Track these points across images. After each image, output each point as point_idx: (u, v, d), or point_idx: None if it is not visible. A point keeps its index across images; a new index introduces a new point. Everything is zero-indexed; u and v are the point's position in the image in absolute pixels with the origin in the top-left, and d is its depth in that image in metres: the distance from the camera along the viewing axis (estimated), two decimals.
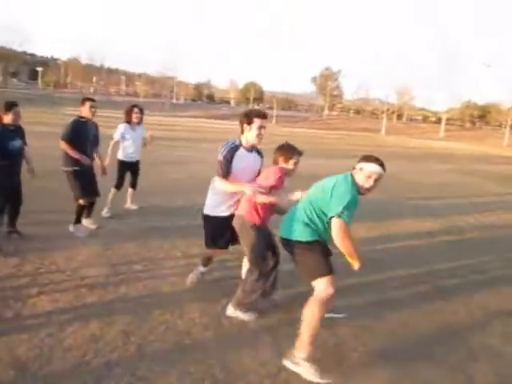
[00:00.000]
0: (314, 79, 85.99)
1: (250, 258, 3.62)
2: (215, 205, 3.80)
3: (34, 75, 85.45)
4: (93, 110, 5.35)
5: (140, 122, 6.57)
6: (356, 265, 2.96)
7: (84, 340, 3.14)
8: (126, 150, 6.46)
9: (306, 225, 3.12)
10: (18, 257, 4.51)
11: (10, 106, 4.72)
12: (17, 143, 4.78)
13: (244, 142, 3.70)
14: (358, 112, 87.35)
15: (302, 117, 73.56)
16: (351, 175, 3.07)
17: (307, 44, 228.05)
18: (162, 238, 5.44)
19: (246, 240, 3.59)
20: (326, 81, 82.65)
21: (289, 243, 3.22)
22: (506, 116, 57.70)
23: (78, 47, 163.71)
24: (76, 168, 5.19)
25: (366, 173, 3.00)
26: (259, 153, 3.87)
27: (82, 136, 5.26)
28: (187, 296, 3.97)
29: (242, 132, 3.71)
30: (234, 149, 3.64)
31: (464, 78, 64.83)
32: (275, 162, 3.69)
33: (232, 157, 3.61)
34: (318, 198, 3.10)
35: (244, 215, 3.60)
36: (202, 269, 4.19)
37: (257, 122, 3.61)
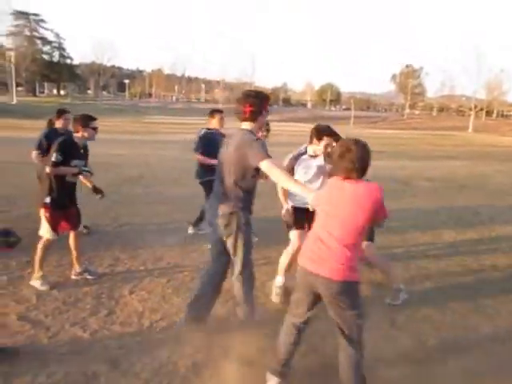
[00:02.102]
0: (393, 78, 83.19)
1: None
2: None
3: (121, 87, 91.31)
4: (222, 121, 5.39)
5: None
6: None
7: (171, 340, 3.25)
8: None
9: None
10: (112, 257, 4.81)
11: (62, 112, 5.14)
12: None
13: (311, 152, 3.97)
14: (441, 110, 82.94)
15: (381, 117, 71.36)
16: None
17: (385, 42, 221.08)
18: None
19: None
20: (407, 79, 79.50)
21: None
22: None
23: (161, 59, 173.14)
24: (212, 178, 5.14)
25: None
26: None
27: (212, 147, 4.87)
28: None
29: (311, 142, 3.95)
30: (300, 154, 3.98)
31: None
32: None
33: (296, 159, 3.96)
34: None
35: None
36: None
37: (326, 140, 3.85)
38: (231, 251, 3.24)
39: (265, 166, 2.95)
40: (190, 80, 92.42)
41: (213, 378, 2.84)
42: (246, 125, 3.16)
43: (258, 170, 3.09)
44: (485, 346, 3.38)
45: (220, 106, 66.65)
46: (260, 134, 3.84)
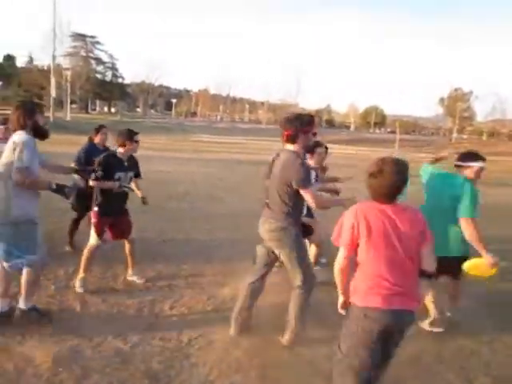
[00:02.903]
0: (441, 100, 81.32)
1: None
2: None
3: (169, 106, 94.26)
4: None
5: None
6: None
7: (209, 358, 3.24)
8: None
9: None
10: (155, 271, 4.89)
11: (100, 128, 5.46)
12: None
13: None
14: (492, 134, 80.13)
15: (428, 141, 69.64)
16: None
17: (433, 64, 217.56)
18: None
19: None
20: (456, 102, 77.56)
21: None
22: None
23: (208, 79, 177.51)
24: None
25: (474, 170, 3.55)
26: None
27: None
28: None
29: None
30: None
31: None
32: None
33: None
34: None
35: None
36: None
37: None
38: (287, 265, 3.42)
39: (304, 193, 3.24)
40: (234, 100, 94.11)
41: None
42: (289, 146, 3.38)
43: None
44: None
45: (263, 127, 67.35)
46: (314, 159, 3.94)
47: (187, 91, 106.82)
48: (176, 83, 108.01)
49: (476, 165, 3.57)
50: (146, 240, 5.99)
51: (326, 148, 5.30)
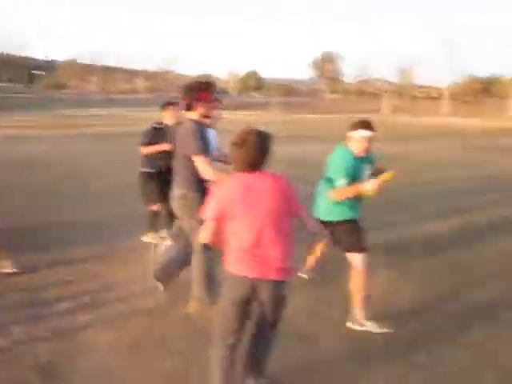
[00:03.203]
0: (313, 64, 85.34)
1: None
2: None
3: (34, 79, 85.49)
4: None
5: None
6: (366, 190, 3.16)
7: (103, 339, 3.16)
8: None
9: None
10: (35, 260, 4.53)
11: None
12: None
13: None
14: (359, 94, 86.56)
15: (304, 102, 73.06)
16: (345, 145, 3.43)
17: (305, 29, 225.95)
18: None
19: None
20: (326, 65, 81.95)
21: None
22: (509, 87, 56.98)
23: (77, 49, 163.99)
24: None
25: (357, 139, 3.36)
26: None
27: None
28: None
29: None
30: None
31: (465, 53, 63.83)
32: None
33: None
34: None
35: None
36: None
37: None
38: (188, 232, 3.50)
39: (196, 161, 3.30)
40: (108, 70, 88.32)
41: None
42: (190, 114, 3.44)
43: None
44: None
45: (141, 96, 64.63)
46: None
47: (54, 62, 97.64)
48: (41, 54, 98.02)
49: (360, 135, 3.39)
50: (20, 227, 5.53)
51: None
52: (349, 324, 3.43)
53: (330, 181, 3.42)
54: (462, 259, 4.90)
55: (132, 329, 3.31)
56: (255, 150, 2.33)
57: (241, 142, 2.34)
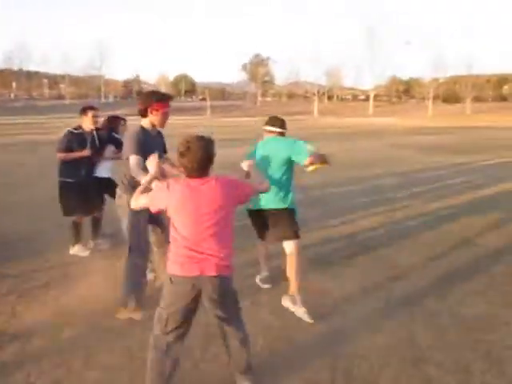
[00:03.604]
0: (244, 67, 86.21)
1: None
2: None
3: None
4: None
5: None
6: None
7: (26, 360, 3.02)
8: None
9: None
10: None
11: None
12: None
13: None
14: (290, 96, 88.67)
15: (236, 105, 73.60)
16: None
17: (236, 32, 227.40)
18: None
19: None
20: (257, 68, 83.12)
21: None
22: (428, 89, 60.92)
23: None
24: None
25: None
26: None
27: None
28: None
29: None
30: None
31: (388, 56, 67.45)
32: None
33: None
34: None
35: None
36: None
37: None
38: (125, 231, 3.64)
39: (130, 159, 3.36)
40: (29, 75, 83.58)
41: None
42: (142, 120, 3.57)
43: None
44: None
45: (67, 103, 61.81)
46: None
47: None
48: None
49: (274, 129, 3.97)
50: None
51: (125, 120, 5.32)
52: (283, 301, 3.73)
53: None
54: (386, 253, 5.18)
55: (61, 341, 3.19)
56: (200, 156, 2.40)
57: (185, 150, 2.40)
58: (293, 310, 3.63)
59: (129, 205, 3.27)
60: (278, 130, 3.96)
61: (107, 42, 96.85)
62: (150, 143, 3.48)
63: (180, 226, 2.44)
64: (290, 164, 3.81)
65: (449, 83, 65.98)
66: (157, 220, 3.77)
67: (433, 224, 6.32)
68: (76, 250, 4.95)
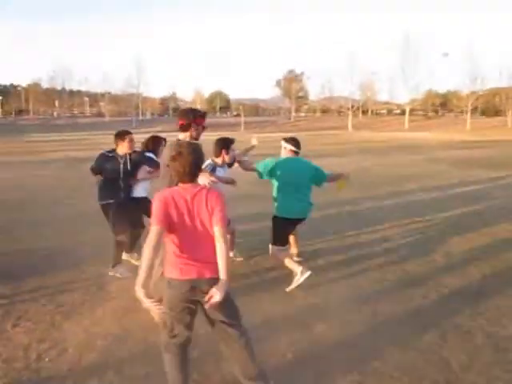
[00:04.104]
0: (278, 83, 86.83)
1: None
2: None
3: None
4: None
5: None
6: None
7: (62, 368, 3.14)
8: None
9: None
10: None
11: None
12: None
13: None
14: (324, 111, 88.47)
15: (270, 121, 74.04)
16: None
17: (270, 49, 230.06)
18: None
19: None
20: (291, 83, 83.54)
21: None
22: (466, 102, 59.42)
23: (39, 72, 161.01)
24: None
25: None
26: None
27: None
28: None
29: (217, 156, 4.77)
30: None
31: (424, 68, 66.28)
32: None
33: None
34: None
35: None
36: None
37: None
38: None
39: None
40: (71, 93, 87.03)
41: None
42: (181, 135, 3.91)
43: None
44: None
45: (106, 120, 63.78)
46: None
47: (14, 87, 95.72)
48: (0, 78, 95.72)
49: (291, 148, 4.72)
50: None
51: (165, 140, 5.34)
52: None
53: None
54: (417, 270, 5.08)
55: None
56: (190, 162, 2.53)
57: (176, 155, 2.54)
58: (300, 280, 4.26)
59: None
60: (294, 148, 4.71)
61: (144, 61, 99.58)
62: None
63: (173, 231, 2.53)
64: (311, 182, 4.72)
65: (488, 96, 64.14)
66: None
67: (468, 239, 6.16)
68: (117, 270, 4.91)
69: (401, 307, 4.08)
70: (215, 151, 4.78)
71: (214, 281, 2.47)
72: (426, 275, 4.88)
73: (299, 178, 4.60)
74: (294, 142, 4.74)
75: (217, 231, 2.49)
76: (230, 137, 4.94)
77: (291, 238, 4.98)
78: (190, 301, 2.57)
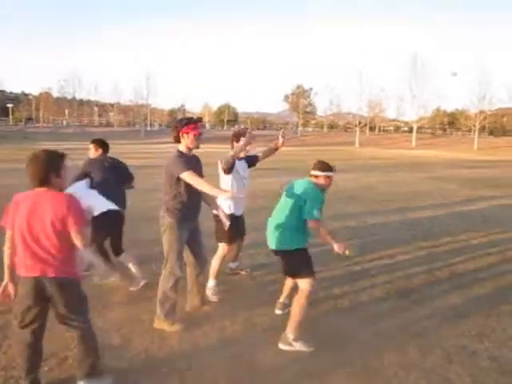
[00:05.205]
0: (286, 98, 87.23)
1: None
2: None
3: (4, 111, 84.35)
4: None
5: None
6: (336, 246, 3.56)
7: (62, 376, 3.10)
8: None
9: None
10: None
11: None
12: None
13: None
14: (331, 127, 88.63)
15: (276, 135, 74.01)
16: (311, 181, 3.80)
17: (278, 64, 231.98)
18: None
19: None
20: (299, 98, 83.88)
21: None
22: (474, 121, 59.34)
23: (49, 81, 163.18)
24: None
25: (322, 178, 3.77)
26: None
27: None
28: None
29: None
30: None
31: (432, 87, 66.42)
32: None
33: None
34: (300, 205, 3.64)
35: None
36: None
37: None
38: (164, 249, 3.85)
39: (184, 176, 3.63)
40: (81, 103, 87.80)
41: None
42: (179, 146, 3.85)
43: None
44: None
45: (115, 130, 64.20)
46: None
47: (25, 95, 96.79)
48: (12, 87, 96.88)
49: (323, 174, 3.78)
50: None
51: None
52: (280, 345, 3.59)
53: (297, 209, 3.68)
54: (422, 290, 5.03)
55: None
56: (41, 168, 2.69)
57: (28, 161, 2.71)
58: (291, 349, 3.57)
59: (169, 226, 3.74)
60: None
61: (154, 73, 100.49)
62: (189, 163, 3.73)
63: (18, 231, 2.71)
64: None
65: (496, 115, 64.08)
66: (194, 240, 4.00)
67: (475, 259, 6.10)
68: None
69: (405, 327, 4.03)
70: (231, 144, 4.90)
71: (58, 280, 2.71)
72: (431, 295, 4.82)
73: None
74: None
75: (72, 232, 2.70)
76: (242, 127, 4.97)
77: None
78: (39, 294, 2.73)
